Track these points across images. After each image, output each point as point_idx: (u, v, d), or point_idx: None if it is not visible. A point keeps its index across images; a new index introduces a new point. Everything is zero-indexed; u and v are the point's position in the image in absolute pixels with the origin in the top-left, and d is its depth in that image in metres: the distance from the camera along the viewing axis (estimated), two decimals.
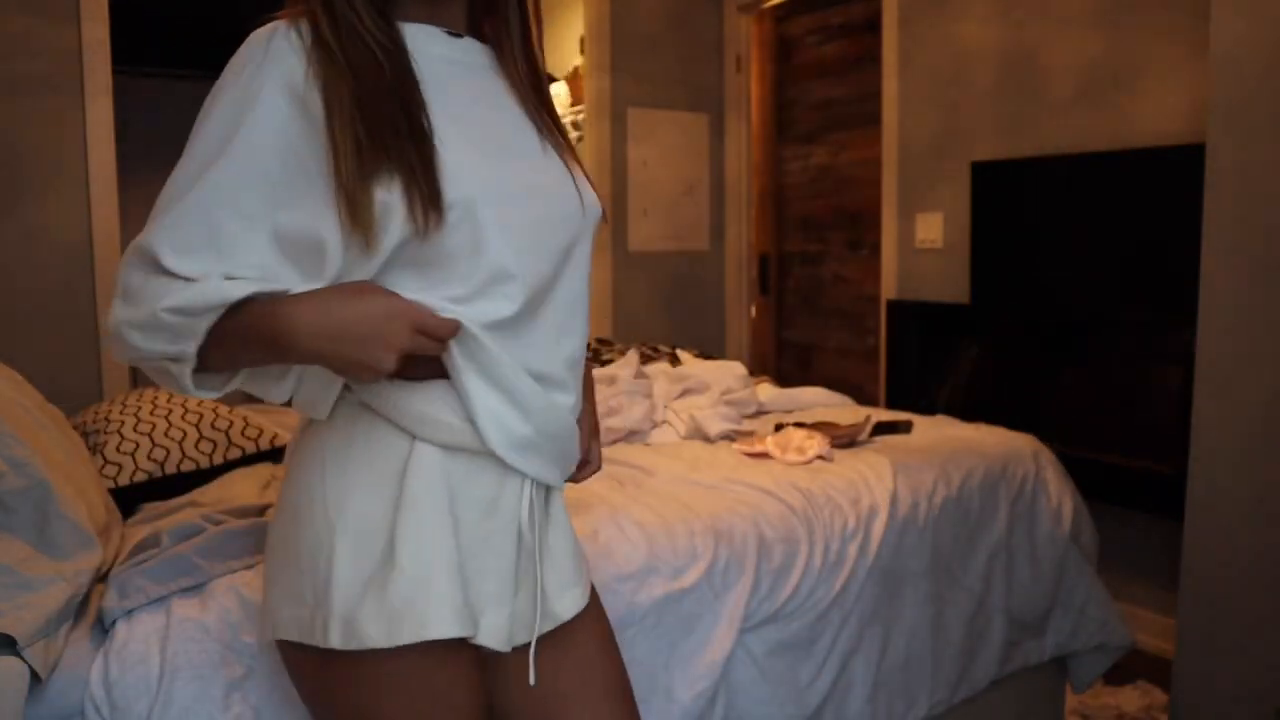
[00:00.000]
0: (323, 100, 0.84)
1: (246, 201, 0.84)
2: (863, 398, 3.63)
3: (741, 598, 1.50)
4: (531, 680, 0.95)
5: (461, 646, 0.91)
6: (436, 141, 0.87)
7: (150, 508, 1.56)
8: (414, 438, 0.90)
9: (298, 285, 0.85)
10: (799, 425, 2.03)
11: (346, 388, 0.92)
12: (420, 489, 0.89)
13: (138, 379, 4.70)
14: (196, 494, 1.59)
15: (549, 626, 0.98)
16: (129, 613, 1.16)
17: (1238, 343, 1.88)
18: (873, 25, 3.56)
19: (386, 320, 0.83)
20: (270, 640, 0.94)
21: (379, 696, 0.89)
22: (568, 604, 0.99)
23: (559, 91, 5.02)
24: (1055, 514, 1.98)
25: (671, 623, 1.45)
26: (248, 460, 1.77)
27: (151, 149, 4.75)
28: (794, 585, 1.55)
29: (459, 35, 0.98)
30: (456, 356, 0.89)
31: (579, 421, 1.04)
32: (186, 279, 0.83)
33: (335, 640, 0.86)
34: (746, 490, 1.65)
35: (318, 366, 0.88)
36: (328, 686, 0.91)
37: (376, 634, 0.86)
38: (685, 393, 2.27)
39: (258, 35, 0.88)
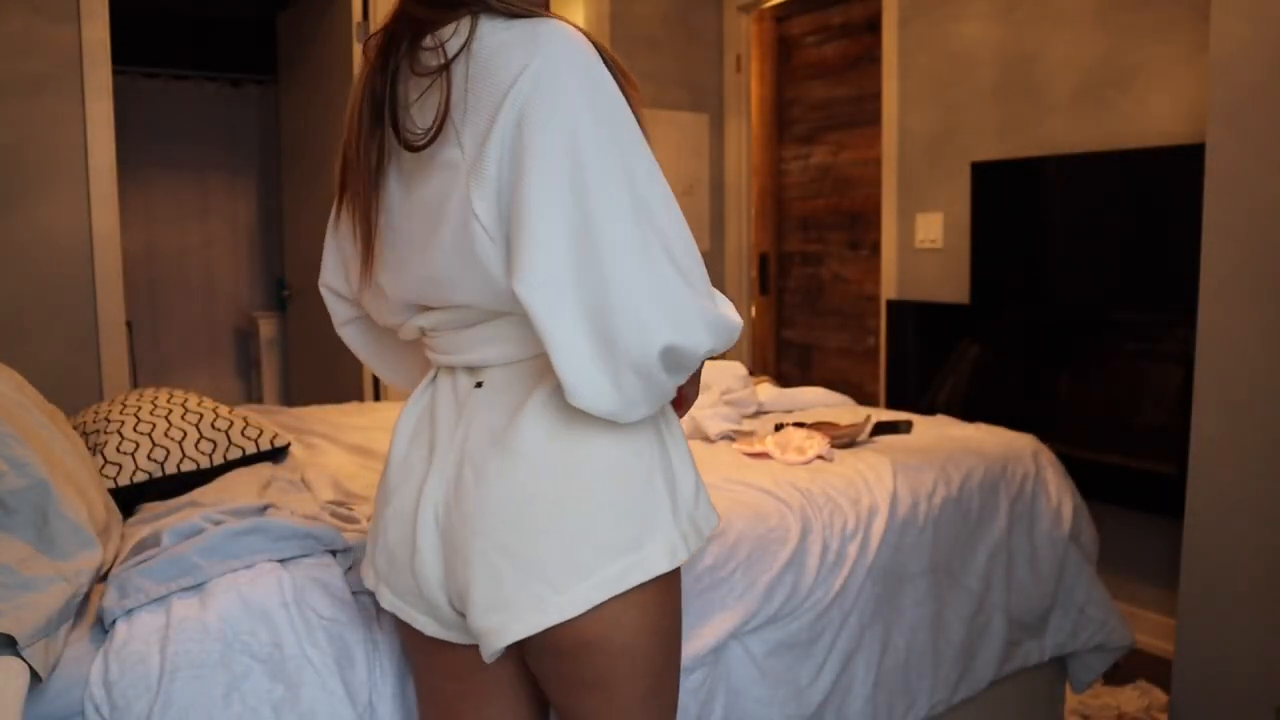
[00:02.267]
0: None
1: None
2: (863, 398, 3.63)
3: (740, 598, 1.50)
4: None
5: None
6: None
7: (150, 508, 1.56)
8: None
9: None
10: (799, 425, 2.03)
11: None
12: (680, 432, 1.04)
13: (138, 379, 4.71)
14: (196, 494, 1.59)
15: None
16: (129, 612, 1.16)
17: (1238, 343, 1.88)
18: (873, 25, 3.56)
19: None
20: (576, 613, 0.91)
21: (679, 595, 1.01)
22: None
23: None
24: (1055, 514, 1.98)
25: None
26: (248, 460, 1.76)
27: (151, 149, 4.76)
28: (793, 585, 1.55)
29: None
30: None
31: None
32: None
33: (693, 546, 0.97)
34: (746, 490, 1.65)
35: None
36: (669, 606, 0.99)
37: (706, 527, 1.01)
38: None
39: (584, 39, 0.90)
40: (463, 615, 0.99)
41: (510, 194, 0.87)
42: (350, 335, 1.21)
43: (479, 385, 0.99)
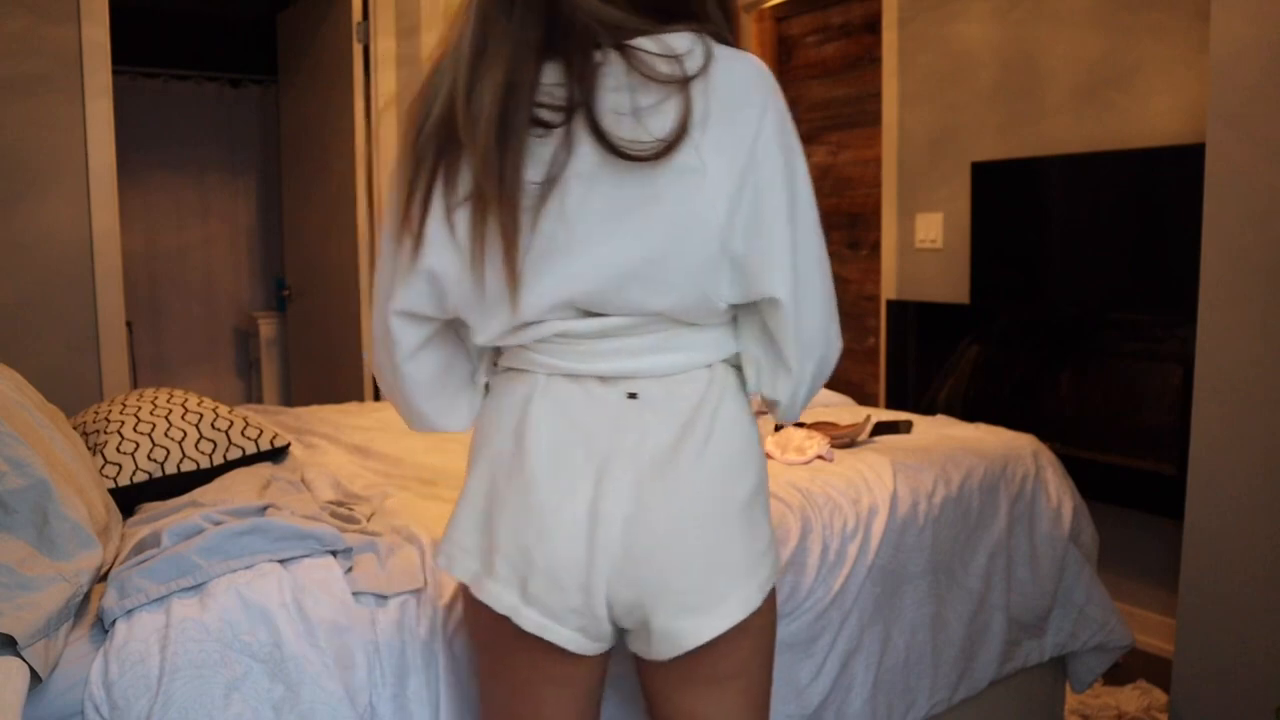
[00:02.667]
0: None
1: None
2: (863, 398, 3.63)
3: None
4: None
5: None
6: None
7: (150, 508, 1.56)
8: None
9: None
10: (799, 425, 2.03)
11: None
12: None
13: (138, 379, 4.70)
14: (197, 494, 1.59)
15: None
16: (129, 612, 1.16)
17: (1238, 343, 1.88)
18: (873, 25, 3.56)
19: None
20: (755, 608, 1.01)
21: None
22: None
23: None
24: (1055, 514, 1.98)
25: None
26: (248, 460, 1.77)
27: (151, 149, 4.76)
28: (793, 585, 1.55)
29: None
30: None
31: None
32: None
33: None
34: None
35: None
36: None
37: None
38: None
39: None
40: (614, 626, 1.02)
41: (753, 212, 0.96)
42: (419, 365, 1.08)
43: (633, 396, 0.99)
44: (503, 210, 0.93)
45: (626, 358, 0.99)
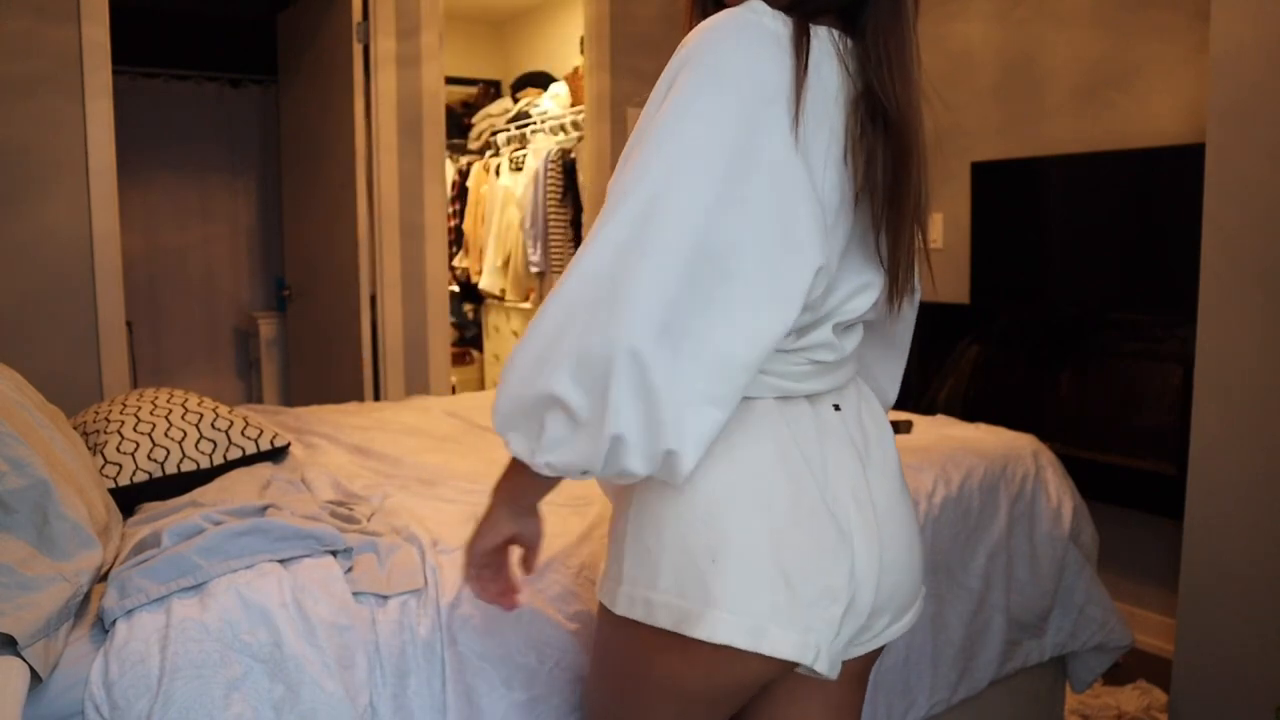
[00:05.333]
0: None
1: None
2: None
3: None
4: None
5: None
6: None
7: (150, 508, 1.56)
8: None
9: None
10: None
11: None
12: None
13: (138, 379, 4.71)
14: (197, 494, 1.59)
15: None
16: (129, 612, 1.16)
17: (1238, 343, 1.88)
18: None
19: None
20: None
21: None
22: None
23: (559, 91, 5.01)
24: (1055, 514, 1.98)
25: None
26: (248, 460, 1.76)
27: (151, 149, 4.75)
28: None
29: None
30: None
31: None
32: None
33: None
34: None
35: None
36: None
37: None
38: None
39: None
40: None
41: None
42: None
43: (837, 408, 1.00)
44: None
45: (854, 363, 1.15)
